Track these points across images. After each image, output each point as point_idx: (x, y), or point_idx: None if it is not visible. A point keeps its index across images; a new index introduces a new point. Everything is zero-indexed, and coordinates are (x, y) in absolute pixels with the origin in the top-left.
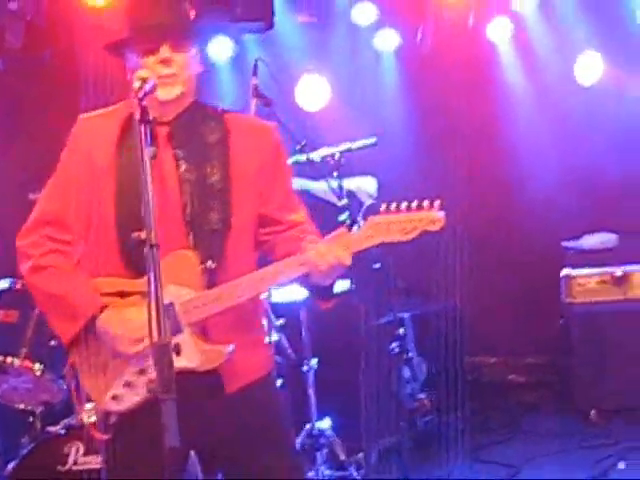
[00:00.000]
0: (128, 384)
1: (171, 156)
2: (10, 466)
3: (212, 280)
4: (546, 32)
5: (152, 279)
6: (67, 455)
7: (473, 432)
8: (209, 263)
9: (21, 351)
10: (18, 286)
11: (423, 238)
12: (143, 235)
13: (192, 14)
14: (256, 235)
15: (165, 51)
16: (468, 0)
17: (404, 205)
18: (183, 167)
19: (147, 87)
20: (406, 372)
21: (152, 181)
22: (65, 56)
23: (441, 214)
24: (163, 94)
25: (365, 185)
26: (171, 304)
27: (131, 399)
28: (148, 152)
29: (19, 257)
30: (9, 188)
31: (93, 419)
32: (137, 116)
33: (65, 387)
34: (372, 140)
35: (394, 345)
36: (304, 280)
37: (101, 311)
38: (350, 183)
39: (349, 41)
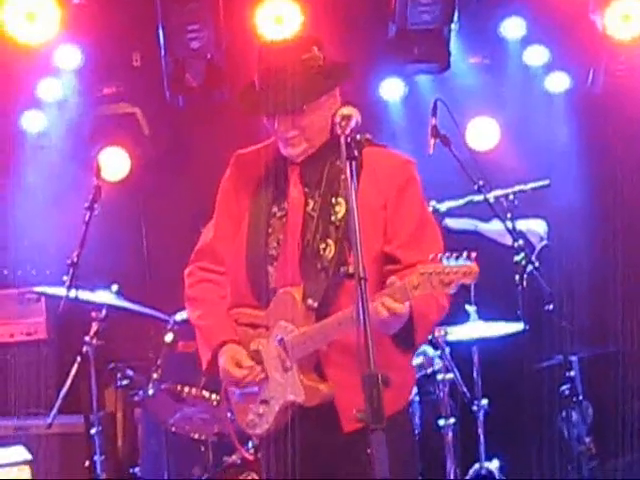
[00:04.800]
0: (258, 413)
1: (302, 194)
2: None
3: (320, 318)
4: None
5: (360, 311)
6: None
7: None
8: (310, 301)
9: (199, 381)
10: None
11: (597, 284)
12: (351, 269)
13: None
14: (380, 273)
15: (286, 122)
16: None
17: (445, 255)
18: (310, 204)
19: (352, 124)
20: (574, 415)
21: (282, 218)
22: None
23: (474, 266)
24: (289, 152)
25: (535, 227)
26: (282, 340)
27: (262, 427)
28: (354, 186)
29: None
30: (184, 220)
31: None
32: (343, 153)
33: None
34: (545, 182)
35: (564, 388)
36: None
37: (221, 346)
38: (520, 225)
39: (520, 83)
